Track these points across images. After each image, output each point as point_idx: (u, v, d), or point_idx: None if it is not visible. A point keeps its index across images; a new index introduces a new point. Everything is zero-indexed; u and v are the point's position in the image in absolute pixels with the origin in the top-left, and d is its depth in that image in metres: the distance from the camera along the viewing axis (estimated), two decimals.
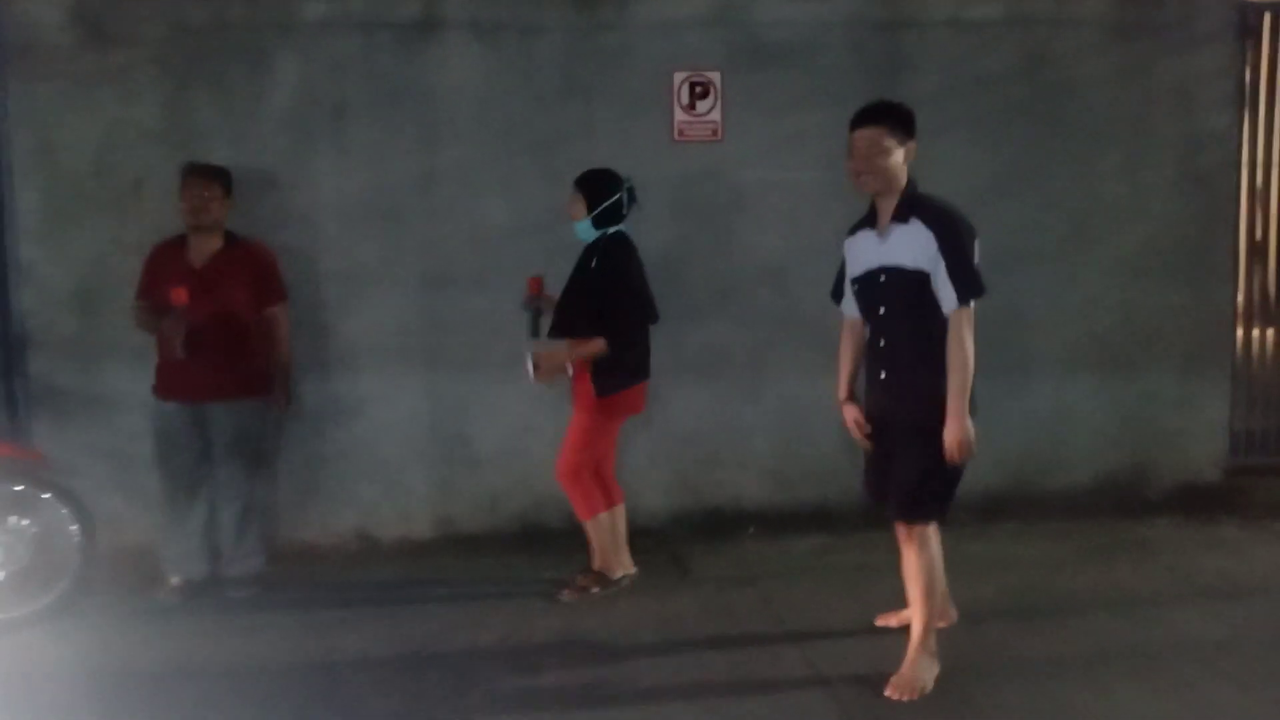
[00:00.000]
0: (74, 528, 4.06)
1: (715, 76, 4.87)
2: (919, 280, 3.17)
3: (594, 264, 4.04)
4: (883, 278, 3.27)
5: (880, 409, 3.39)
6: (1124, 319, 5.11)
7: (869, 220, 3.38)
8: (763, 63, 4.89)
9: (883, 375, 3.34)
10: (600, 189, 4.08)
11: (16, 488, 4.04)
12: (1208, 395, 5.17)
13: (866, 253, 3.34)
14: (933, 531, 3.34)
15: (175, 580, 4.27)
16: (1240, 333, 5.37)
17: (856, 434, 3.47)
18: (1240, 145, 5.25)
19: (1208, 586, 4.15)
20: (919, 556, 3.31)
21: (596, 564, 4.19)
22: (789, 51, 4.90)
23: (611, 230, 4.10)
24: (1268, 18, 5.29)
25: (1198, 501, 5.08)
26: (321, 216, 4.76)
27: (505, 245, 4.77)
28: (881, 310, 3.32)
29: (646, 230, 4.88)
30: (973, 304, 3.18)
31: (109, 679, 3.51)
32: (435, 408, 4.81)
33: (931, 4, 5.02)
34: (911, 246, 3.18)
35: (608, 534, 4.16)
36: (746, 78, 4.88)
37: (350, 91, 4.74)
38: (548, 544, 4.68)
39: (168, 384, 4.24)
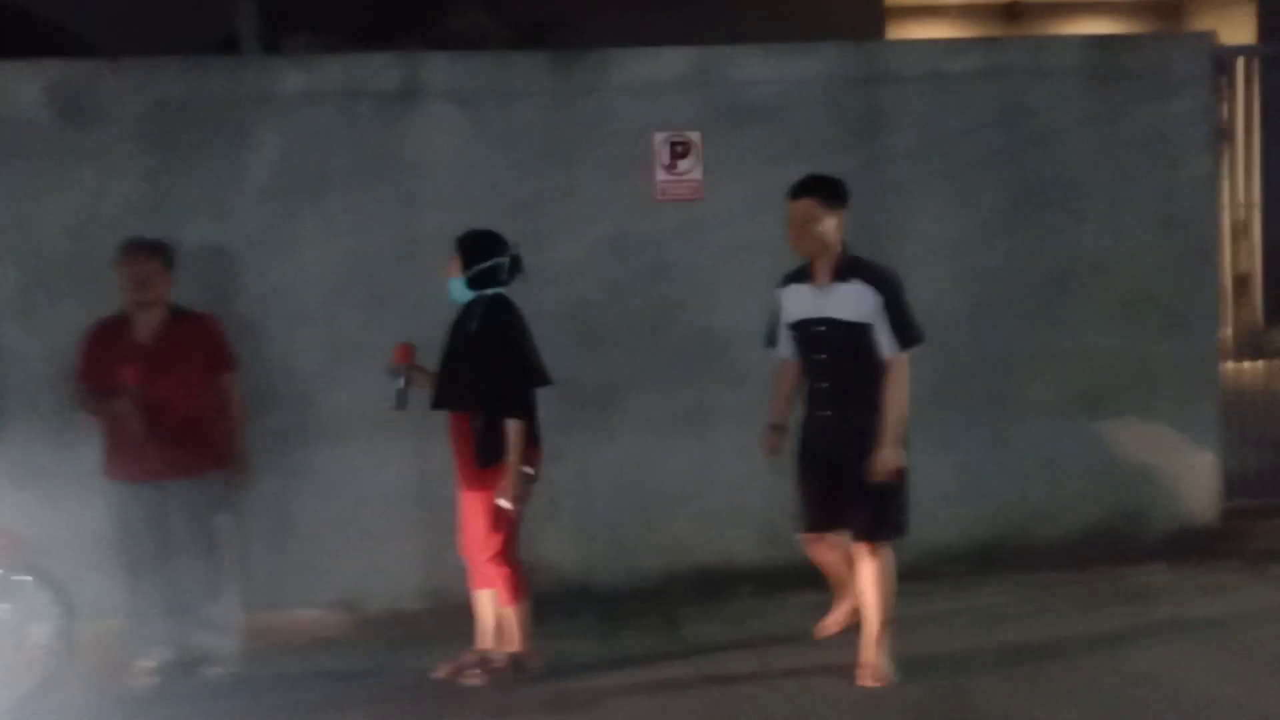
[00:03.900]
0: (56, 611, 3.96)
1: (696, 136, 4.89)
2: (861, 331, 3.68)
3: (475, 327, 3.85)
4: (821, 328, 3.74)
5: (826, 445, 3.79)
6: (1112, 363, 5.09)
7: (801, 275, 3.83)
8: (742, 121, 4.92)
9: (828, 414, 3.79)
10: (478, 250, 3.90)
11: None
12: (1199, 437, 5.13)
13: (802, 303, 3.80)
14: (891, 553, 3.80)
15: (147, 663, 4.14)
16: (1231, 369, 5.38)
17: (764, 451, 3.98)
18: (1219, 186, 5.28)
19: (1210, 637, 4.08)
20: (880, 565, 3.75)
21: (514, 647, 3.94)
22: (768, 109, 4.93)
23: (489, 293, 3.91)
24: (1241, 62, 5.36)
25: (1194, 546, 5.02)
26: (304, 286, 4.74)
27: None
28: (823, 356, 3.76)
29: (631, 290, 4.91)
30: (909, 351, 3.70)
31: None
32: (422, 475, 4.74)
33: (908, 58, 5.08)
34: (854, 302, 3.68)
35: (526, 622, 3.95)
36: (726, 136, 4.90)
37: (331, 161, 4.75)
38: (537, 611, 4.59)
39: (122, 465, 4.12)
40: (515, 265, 3.98)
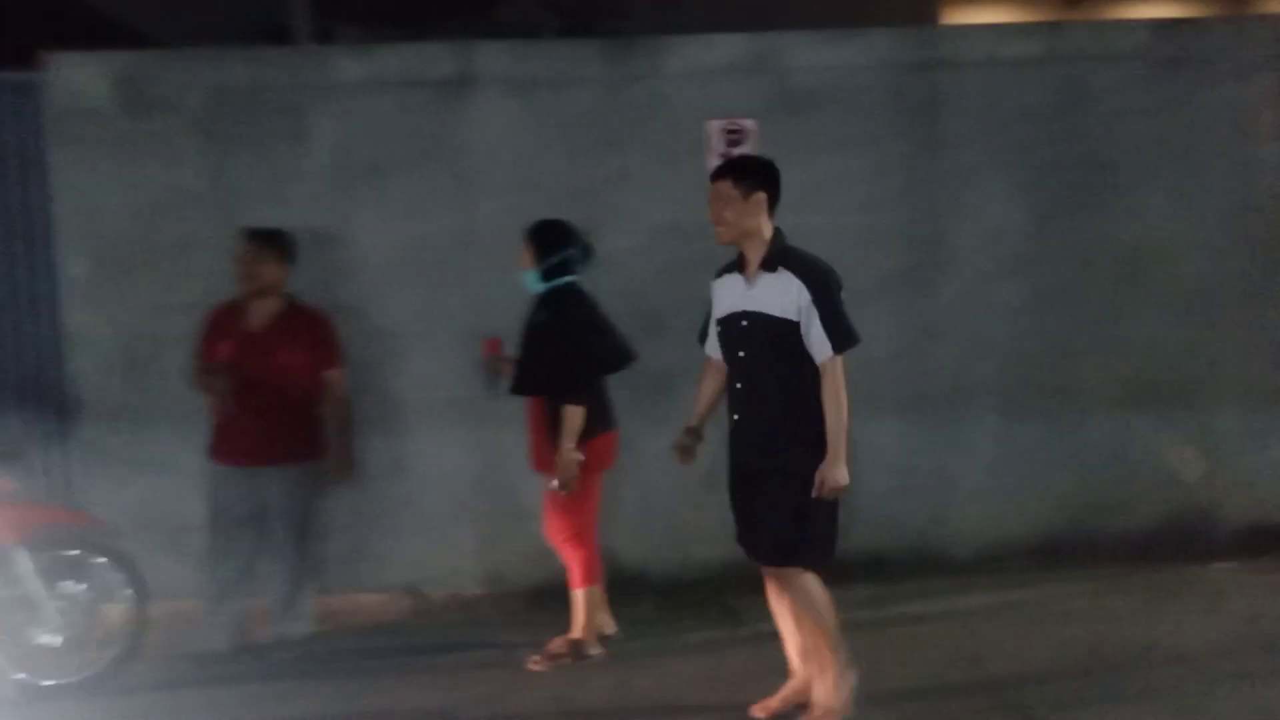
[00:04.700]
0: (128, 592, 4.05)
1: (750, 124, 4.85)
2: (786, 328, 3.29)
3: (541, 317, 3.96)
4: (744, 322, 3.37)
5: (740, 454, 3.44)
6: (1181, 354, 4.97)
7: (736, 265, 3.48)
8: (797, 108, 4.87)
9: (737, 418, 3.42)
10: (550, 240, 4.00)
11: (71, 552, 4.04)
12: (1272, 430, 5.00)
13: (731, 296, 3.44)
14: (812, 580, 3.37)
15: (220, 643, 4.23)
16: None
17: (674, 454, 3.63)
18: None
19: None
20: (798, 602, 3.36)
21: (576, 633, 4.04)
22: (824, 96, 4.88)
23: (561, 282, 4.00)
24: None
25: (1267, 543, 4.89)
26: (363, 274, 4.79)
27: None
28: (741, 354, 3.40)
29: (687, 280, 4.87)
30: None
31: None
32: (481, 461, 4.80)
33: (967, 44, 4.99)
34: (780, 295, 3.30)
35: (591, 608, 4.05)
36: (782, 123, 4.86)
37: (388, 150, 4.79)
38: None
39: (222, 447, 4.24)
40: (585, 251, 4.05)
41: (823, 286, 3.29)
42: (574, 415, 3.88)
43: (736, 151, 4.88)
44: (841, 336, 3.29)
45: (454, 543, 4.81)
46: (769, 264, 3.34)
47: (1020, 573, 4.74)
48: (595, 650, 4.05)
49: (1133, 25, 5.35)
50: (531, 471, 4.14)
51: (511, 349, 4.14)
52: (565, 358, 3.90)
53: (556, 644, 4.07)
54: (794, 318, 3.27)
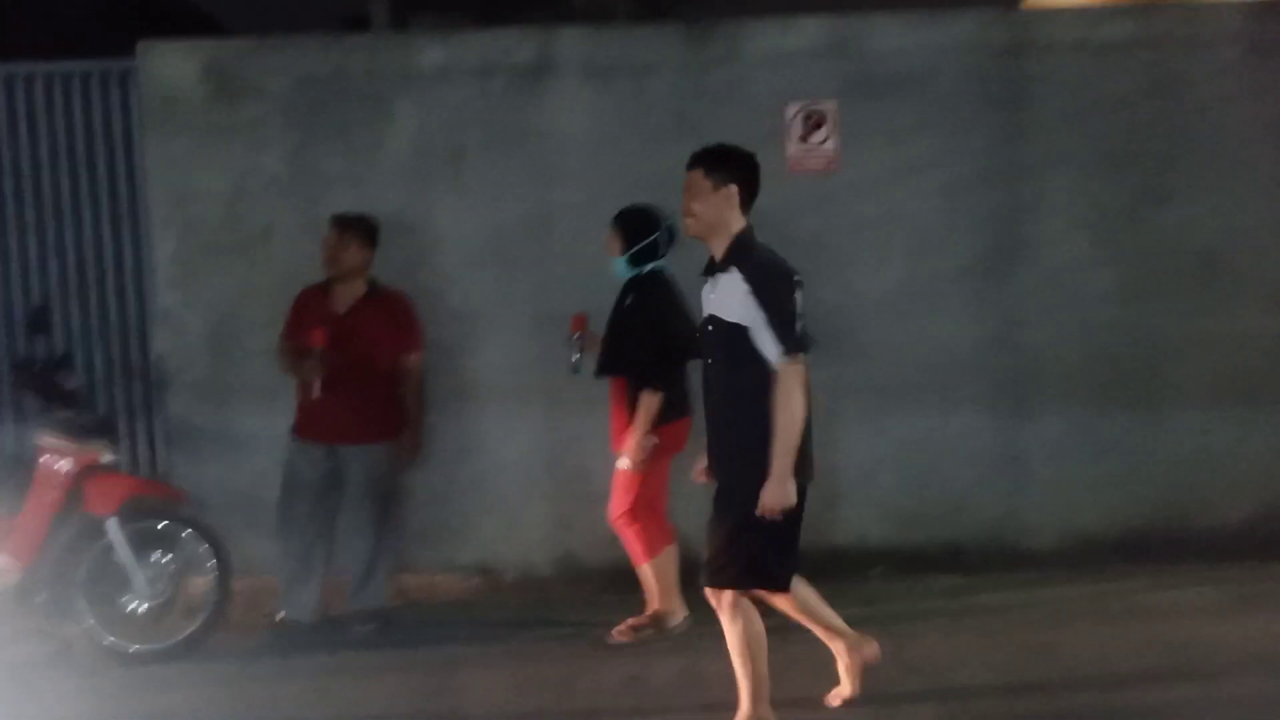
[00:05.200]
0: (211, 564, 4.18)
1: (831, 106, 4.80)
2: (737, 332, 3.06)
3: (627, 303, 4.06)
4: (710, 327, 3.19)
5: (713, 468, 3.26)
6: (1269, 348, 4.82)
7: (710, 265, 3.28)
8: (879, 92, 4.80)
9: (709, 428, 3.25)
10: (637, 227, 4.08)
11: (159, 524, 4.19)
12: None
13: (705, 301, 3.24)
14: (747, 613, 3.17)
15: (280, 615, 4.36)
16: None
17: (704, 478, 3.34)
18: None
19: None
20: (731, 627, 3.17)
21: (653, 607, 4.14)
22: (907, 79, 4.80)
23: (648, 268, 4.06)
24: None
25: None
26: (441, 258, 4.85)
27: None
28: (709, 360, 3.23)
29: None
30: (802, 357, 3.06)
31: (237, 715, 3.64)
32: (554, 443, 4.84)
33: (1055, 27, 4.88)
34: (728, 296, 3.09)
35: (663, 578, 4.12)
36: (863, 107, 4.80)
37: (467, 136, 4.83)
38: None
39: (305, 424, 4.35)
40: (670, 236, 4.09)
41: (763, 284, 3.03)
42: (651, 401, 3.95)
43: (816, 136, 4.84)
44: (787, 338, 3.02)
45: (527, 524, 4.86)
46: (724, 263, 3.12)
47: (1100, 567, 4.64)
48: (677, 621, 4.11)
49: (1227, 9, 5.16)
50: (608, 453, 4.20)
51: (597, 331, 4.21)
52: (647, 343, 3.97)
53: (640, 617, 4.14)
54: (743, 321, 3.04)
